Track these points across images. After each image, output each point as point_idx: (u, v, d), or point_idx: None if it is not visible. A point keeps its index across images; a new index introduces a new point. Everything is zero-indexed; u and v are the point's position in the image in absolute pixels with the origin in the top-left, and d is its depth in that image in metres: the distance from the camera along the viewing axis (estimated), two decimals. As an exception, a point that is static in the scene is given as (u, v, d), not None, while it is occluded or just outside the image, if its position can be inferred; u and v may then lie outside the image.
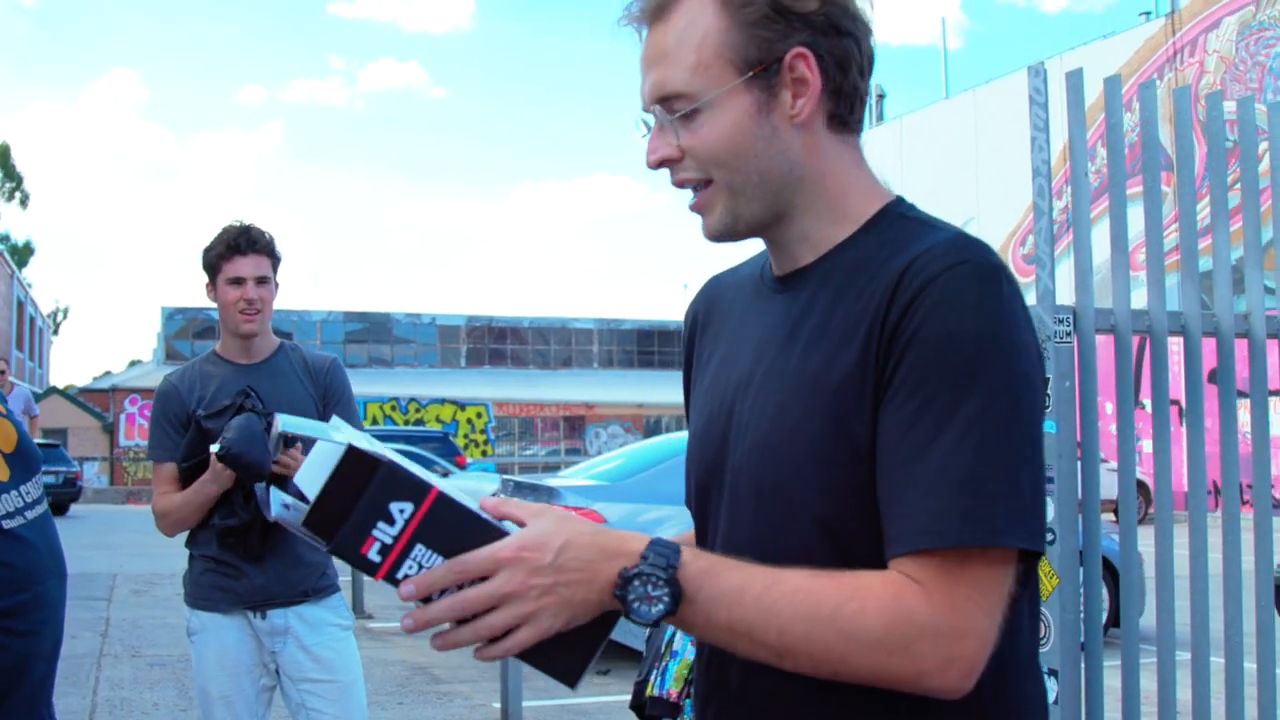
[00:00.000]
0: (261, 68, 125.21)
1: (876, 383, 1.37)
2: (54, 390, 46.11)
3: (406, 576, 1.36)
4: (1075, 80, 3.69)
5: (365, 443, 1.42)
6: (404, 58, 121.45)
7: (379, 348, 50.16)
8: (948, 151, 32.67)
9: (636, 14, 1.52)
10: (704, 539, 1.60)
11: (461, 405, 46.06)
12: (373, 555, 1.37)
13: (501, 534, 1.37)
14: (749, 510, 1.49)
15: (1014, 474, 1.31)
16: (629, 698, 2.06)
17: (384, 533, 1.36)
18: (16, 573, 2.33)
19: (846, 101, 1.49)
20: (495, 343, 52.92)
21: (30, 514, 2.42)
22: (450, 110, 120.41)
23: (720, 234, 1.53)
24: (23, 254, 61.37)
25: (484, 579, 1.34)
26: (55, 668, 2.49)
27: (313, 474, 1.39)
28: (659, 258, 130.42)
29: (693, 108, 1.47)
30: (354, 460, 1.37)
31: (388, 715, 7.27)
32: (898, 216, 1.51)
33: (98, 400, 44.16)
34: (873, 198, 1.53)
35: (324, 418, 3.63)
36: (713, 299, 1.73)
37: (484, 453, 44.39)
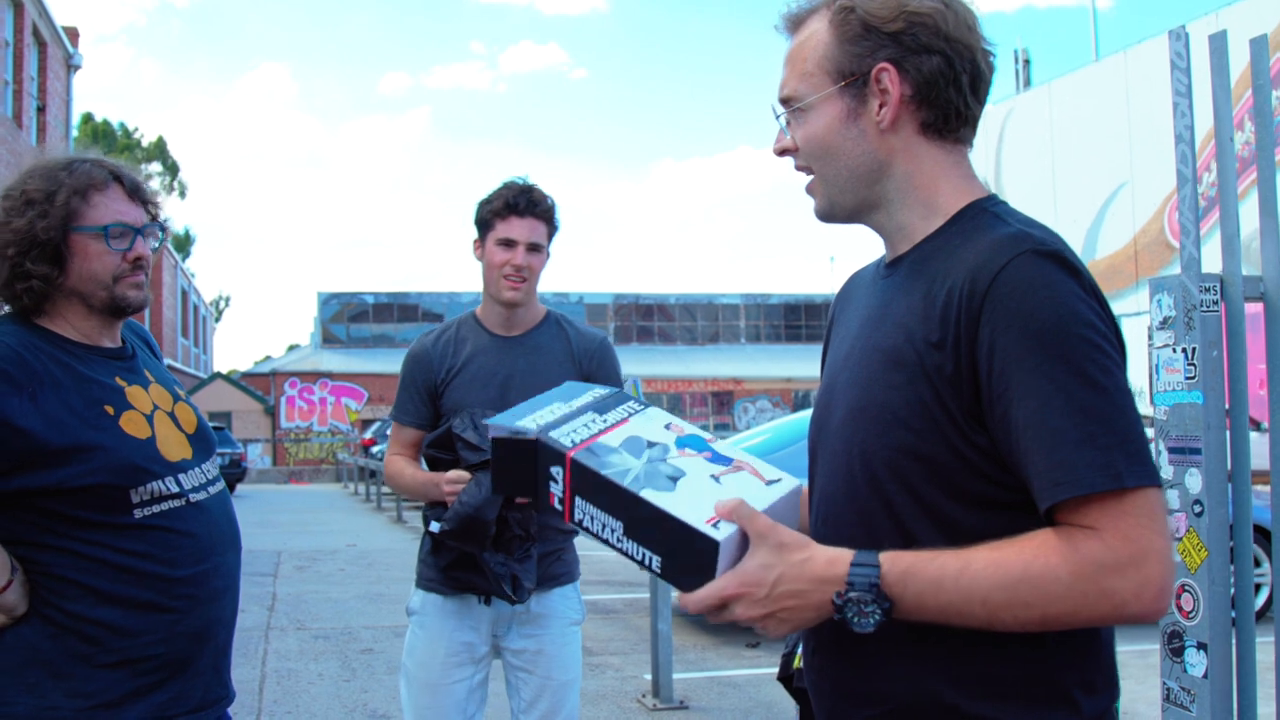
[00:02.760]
0: (404, 55, 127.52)
1: (956, 364, 1.56)
2: (218, 375, 47.76)
3: (581, 522, 1.69)
4: (1219, 44, 3.62)
5: (560, 410, 1.83)
6: (543, 40, 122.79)
7: (527, 328, 50.52)
8: (1099, 115, 31.80)
9: (781, 24, 1.80)
10: (810, 495, 1.83)
11: (609, 383, 46.18)
12: (555, 505, 1.73)
13: (643, 503, 1.62)
14: (840, 466, 1.70)
15: (1118, 423, 1.47)
16: (777, 670, 2.12)
17: (556, 488, 1.72)
18: (200, 543, 2.50)
19: (939, 112, 1.68)
20: (642, 319, 53.23)
21: (211, 489, 2.60)
22: (591, 90, 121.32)
23: (823, 216, 1.81)
24: (183, 243, 63.54)
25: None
26: (233, 635, 2.66)
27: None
28: (805, 231, 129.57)
29: (799, 108, 1.75)
30: (517, 442, 1.75)
31: (541, 687, 7.42)
32: (980, 211, 1.68)
33: (259, 384, 45.62)
34: (963, 195, 1.71)
35: None
36: (848, 288, 1.96)
37: (632, 430, 44.55)
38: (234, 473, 30.11)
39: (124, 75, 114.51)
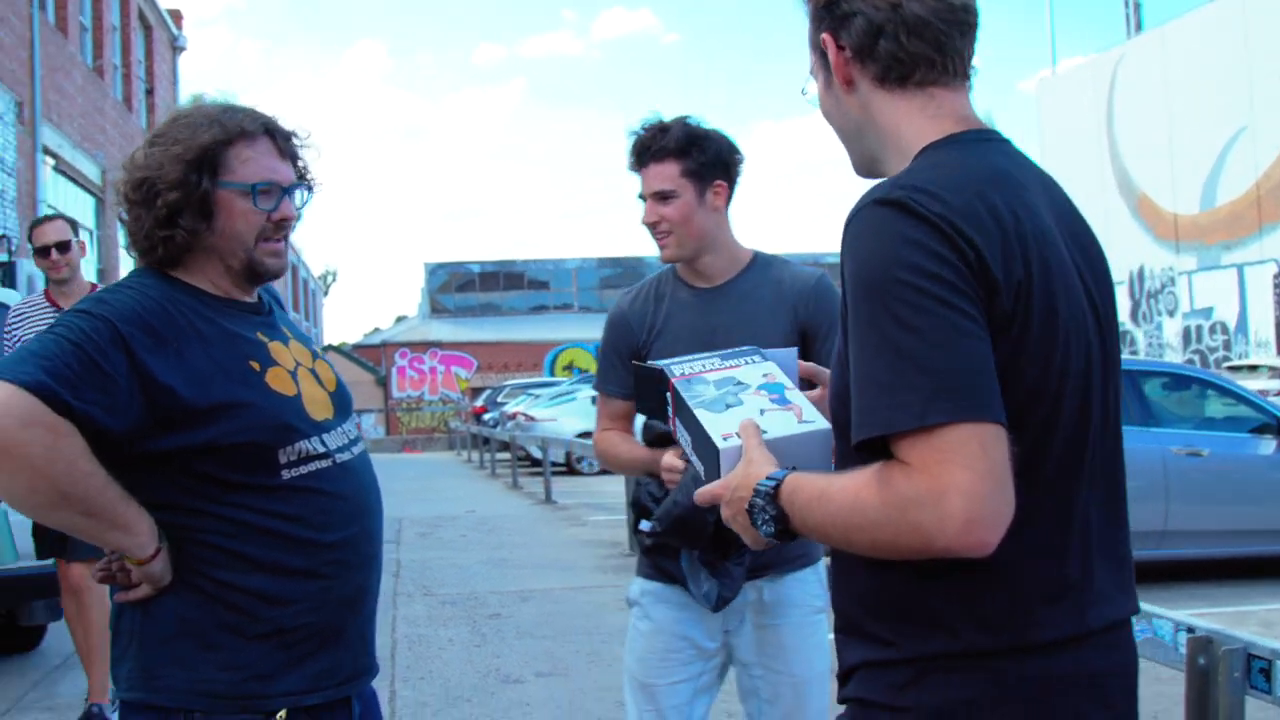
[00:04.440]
0: (497, 26, 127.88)
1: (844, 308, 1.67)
2: (330, 347, 48.47)
3: (678, 439, 2.07)
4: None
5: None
6: (634, 5, 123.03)
7: (633, 292, 50.56)
8: (1216, 58, 30.79)
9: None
10: None
11: (715, 346, 45.94)
12: (672, 428, 2.09)
13: (695, 419, 1.93)
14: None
15: (928, 361, 1.51)
16: None
17: (669, 410, 2.07)
18: (350, 505, 2.43)
19: (882, 64, 1.76)
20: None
21: (354, 449, 2.53)
22: (684, 54, 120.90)
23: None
24: (293, 219, 64.30)
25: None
26: (378, 602, 2.60)
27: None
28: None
29: (811, 83, 1.92)
30: (649, 370, 2.18)
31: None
32: (924, 151, 1.74)
33: (370, 355, 46.25)
34: (924, 138, 1.76)
35: (806, 352, 3.08)
36: None
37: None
38: (349, 443, 30.41)
39: (225, 57, 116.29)
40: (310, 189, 2.60)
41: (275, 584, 2.34)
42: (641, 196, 3.27)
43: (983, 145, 1.75)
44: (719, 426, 1.88)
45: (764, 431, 1.82)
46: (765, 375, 2.06)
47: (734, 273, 3.32)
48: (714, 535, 2.89)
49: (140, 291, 2.34)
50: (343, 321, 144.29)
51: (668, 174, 3.21)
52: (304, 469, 2.38)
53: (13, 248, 14.60)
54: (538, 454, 21.09)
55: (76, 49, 22.86)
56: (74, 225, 6.27)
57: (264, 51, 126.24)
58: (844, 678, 1.77)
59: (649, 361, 2.22)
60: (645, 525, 3.07)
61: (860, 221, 1.62)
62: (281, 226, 2.47)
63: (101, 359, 2.17)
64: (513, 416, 24.58)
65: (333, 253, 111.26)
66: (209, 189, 2.39)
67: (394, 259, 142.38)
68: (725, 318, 3.24)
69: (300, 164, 2.57)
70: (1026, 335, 1.59)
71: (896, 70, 1.76)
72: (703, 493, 1.84)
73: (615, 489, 15.55)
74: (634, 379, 2.26)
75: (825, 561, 3.28)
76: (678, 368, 2.09)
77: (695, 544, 2.98)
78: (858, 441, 1.57)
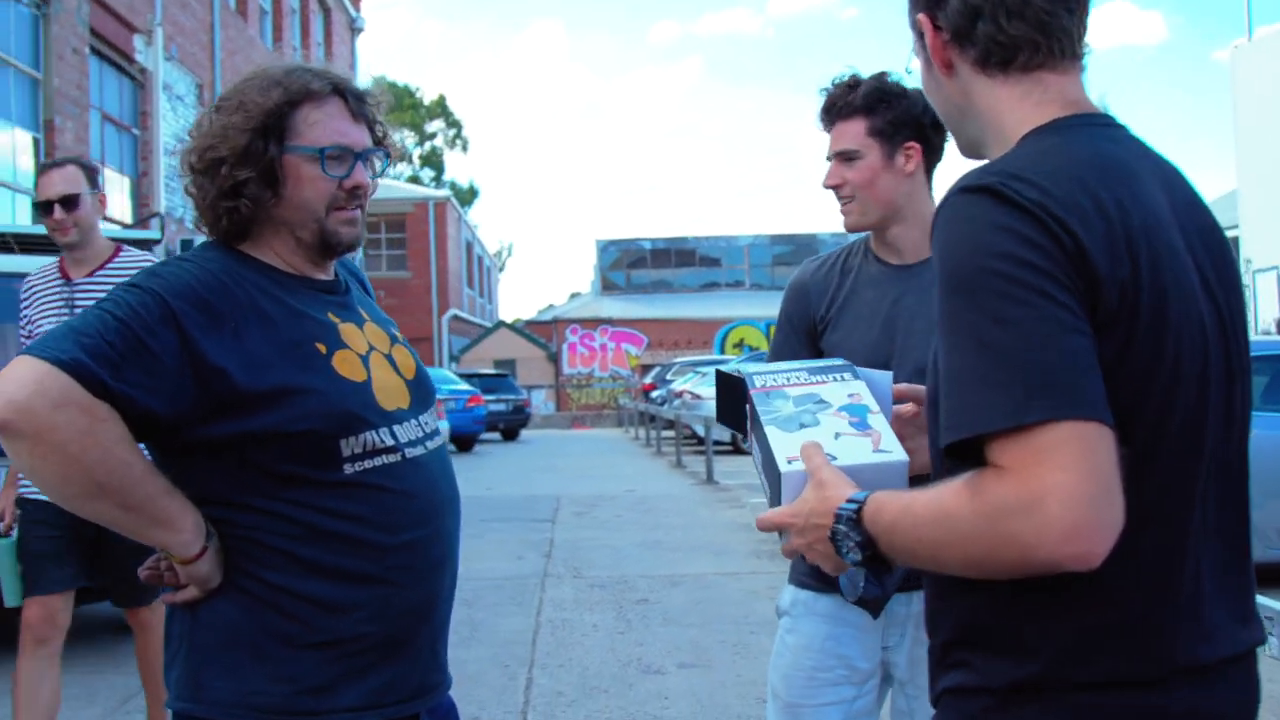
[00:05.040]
0: (673, 5, 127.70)
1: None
2: (502, 324, 49.10)
3: (751, 453, 1.96)
4: None
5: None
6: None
7: (804, 269, 50.11)
8: None
9: None
10: None
11: (889, 323, 45.16)
12: (747, 439, 1.99)
13: (764, 436, 1.82)
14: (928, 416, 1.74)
15: (1022, 356, 1.39)
16: None
17: (748, 423, 1.94)
18: (419, 505, 2.21)
19: (981, 47, 1.65)
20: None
21: (429, 444, 2.29)
22: (863, 29, 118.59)
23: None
24: (467, 197, 65.69)
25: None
26: (451, 612, 2.36)
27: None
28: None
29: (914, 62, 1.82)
30: (731, 379, 2.05)
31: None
32: (1025, 138, 1.62)
33: (542, 331, 46.65)
34: (1027, 124, 1.64)
35: None
36: None
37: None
38: (518, 418, 30.83)
39: (404, 38, 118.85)
40: (388, 155, 2.37)
41: (334, 590, 2.13)
42: (829, 158, 2.94)
43: (1090, 131, 1.62)
44: (786, 448, 1.78)
45: (833, 458, 1.72)
46: (851, 395, 1.94)
47: (929, 252, 2.92)
48: None
49: (199, 265, 2.15)
50: (518, 298, 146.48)
51: (853, 132, 2.87)
52: (369, 463, 2.16)
53: (165, 225, 14.78)
54: (703, 432, 20.89)
55: (256, 32, 23.48)
56: (91, 173, 4.72)
57: (442, 32, 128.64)
58: (934, 704, 1.69)
59: (732, 368, 2.04)
60: None
61: (948, 210, 1.52)
62: (355, 194, 2.25)
63: (148, 336, 1.98)
64: (679, 394, 24.46)
65: (509, 229, 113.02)
66: (274, 155, 2.19)
67: (570, 236, 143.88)
68: (911, 300, 2.86)
69: (377, 128, 2.34)
70: (1133, 336, 1.45)
71: (997, 54, 1.66)
72: (765, 519, 1.74)
73: (778, 470, 15.22)
74: (716, 384, 2.16)
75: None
76: (760, 379, 1.97)
77: None
78: (946, 445, 1.45)
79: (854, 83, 2.89)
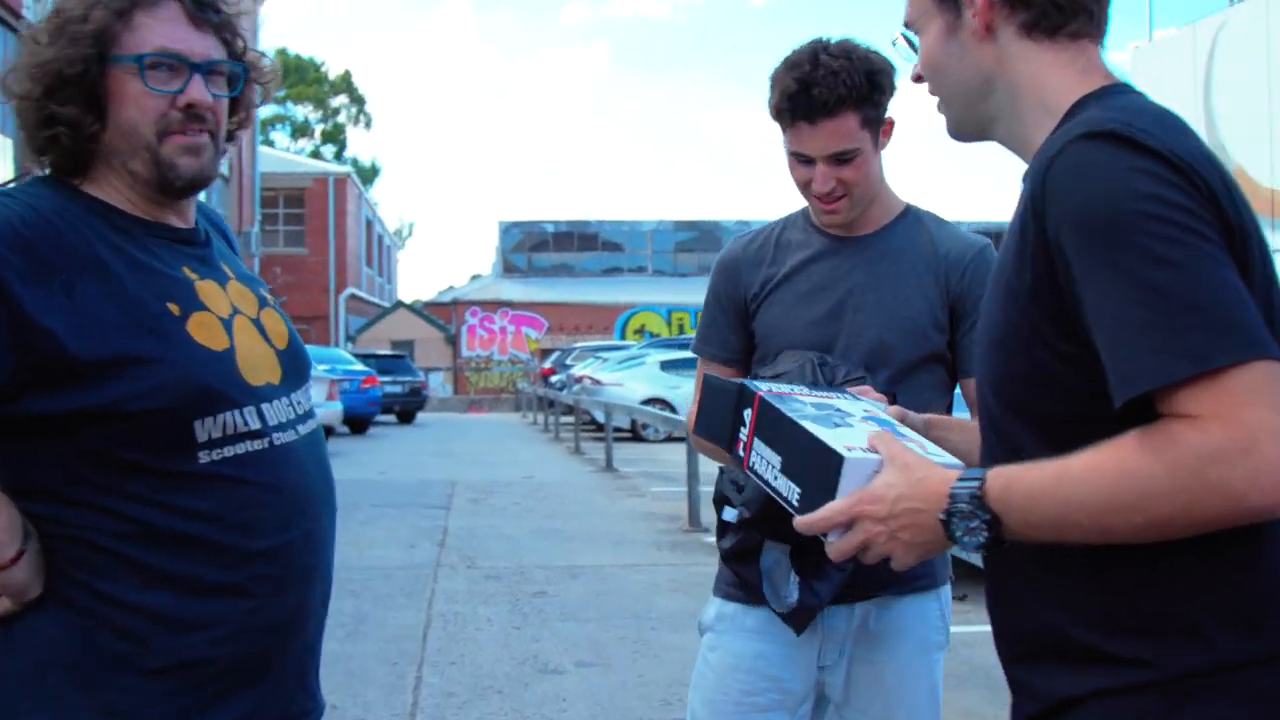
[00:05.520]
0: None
1: (1034, 275, 1.45)
2: (400, 304, 48.40)
3: (754, 466, 1.74)
4: None
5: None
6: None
7: (709, 256, 49.90)
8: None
9: None
10: None
11: (791, 312, 45.23)
12: (739, 452, 1.79)
13: (803, 432, 1.64)
14: (983, 402, 1.64)
15: (1196, 298, 1.31)
16: (988, 627, 1.72)
17: (743, 432, 1.78)
18: (287, 501, 1.87)
19: (1036, 10, 1.58)
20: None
21: (301, 428, 1.95)
22: (771, 17, 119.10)
23: (954, 136, 1.75)
24: (369, 174, 64.55)
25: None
26: (324, 628, 2.03)
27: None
28: (994, 155, 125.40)
29: (914, 33, 1.73)
30: (723, 386, 1.87)
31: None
32: (1082, 105, 1.55)
33: (441, 313, 46.01)
34: (1076, 91, 1.57)
35: (951, 333, 2.54)
36: None
37: (813, 361, 43.58)
38: (415, 401, 30.27)
39: (311, 10, 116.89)
40: (243, 72, 1.98)
41: (180, 603, 1.78)
42: (800, 156, 2.50)
43: (1145, 99, 1.56)
44: (839, 439, 1.61)
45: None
46: (867, 410, 1.86)
47: (881, 223, 2.61)
48: None
49: (23, 202, 1.77)
50: (417, 279, 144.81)
51: (847, 130, 2.44)
52: (228, 450, 1.81)
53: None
54: (602, 419, 20.63)
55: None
56: None
57: (349, 6, 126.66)
58: (1044, 716, 1.52)
59: (715, 382, 1.95)
60: (730, 513, 2.41)
61: (1072, 157, 1.42)
62: (194, 114, 1.87)
63: None
64: (579, 380, 24.20)
65: (410, 209, 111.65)
66: (90, 71, 1.81)
67: (472, 217, 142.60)
68: (860, 277, 2.55)
69: (234, 41, 1.97)
70: (1253, 287, 1.39)
71: (1052, 19, 1.60)
72: (824, 516, 1.55)
73: (679, 458, 15.04)
74: (702, 392, 1.98)
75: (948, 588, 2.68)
76: (765, 385, 1.84)
77: (792, 534, 2.32)
78: (1125, 400, 1.34)
79: (833, 68, 2.41)
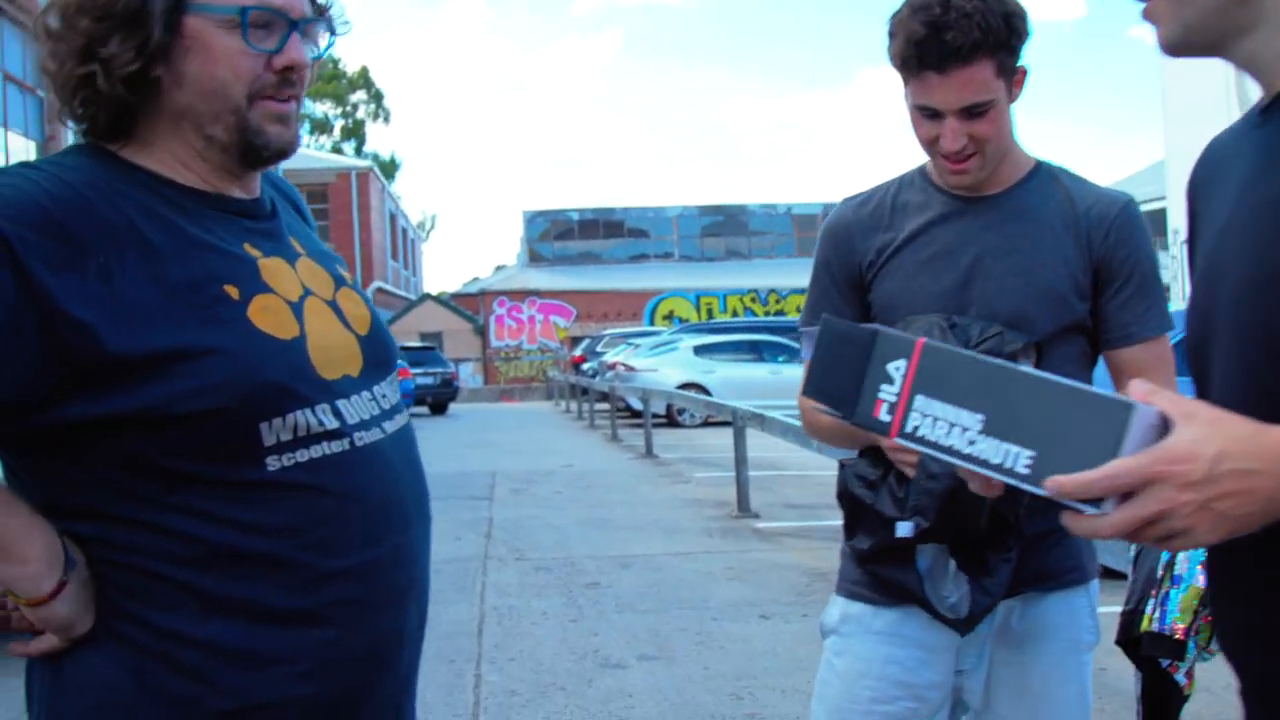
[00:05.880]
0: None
1: None
2: (427, 296, 48.24)
3: (915, 431, 1.39)
4: None
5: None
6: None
7: (735, 240, 49.81)
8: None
9: None
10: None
11: (821, 294, 44.79)
12: (882, 415, 1.44)
13: (1033, 379, 1.31)
14: (1234, 356, 1.35)
15: None
16: (1114, 632, 1.48)
17: (889, 392, 1.43)
18: (374, 511, 1.62)
19: None
20: (852, 229, 51.80)
21: (388, 425, 1.70)
22: (783, 4, 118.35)
23: (1173, 46, 1.41)
24: (389, 168, 64.38)
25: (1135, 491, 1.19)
26: (420, 651, 1.79)
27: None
28: (1021, 128, 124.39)
29: None
30: (850, 334, 1.49)
31: (791, 629, 6.59)
32: None
33: (468, 304, 45.83)
34: None
35: (1094, 298, 2.30)
36: (1206, 161, 1.55)
37: (845, 342, 43.12)
38: (446, 392, 30.10)
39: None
40: (332, 30, 1.75)
41: (249, 635, 1.54)
42: (926, 109, 2.23)
43: None
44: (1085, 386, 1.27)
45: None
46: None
47: (1012, 181, 2.33)
48: (990, 518, 2.07)
49: (52, 175, 1.51)
50: (443, 271, 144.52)
51: (981, 79, 2.16)
52: (301, 454, 1.56)
53: None
54: (637, 405, 20.40)
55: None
56: None
57: (364, 3, 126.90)
58: None
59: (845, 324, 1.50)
60: (904, 528, 2.13)
61: None
62: (288, 79, 1.64)
63: None
64: (612, 366, 24.00)
65: (432, 202, 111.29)
66: (172, 13, 1.56)
67: (494, 208, 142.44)
68: (991, 240, 2.29)
69: None
70: None
71: None
72: (1094, 478, 1.18)
73: (720, 442, 14.83)
74: (819, 341, 1.52)
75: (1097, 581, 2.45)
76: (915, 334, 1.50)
77: (970, 531, 2.11)
78: None
79: (970, 9, 2.12)
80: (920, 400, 1.39)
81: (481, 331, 44.74)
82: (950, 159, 2.25)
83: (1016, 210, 2.32)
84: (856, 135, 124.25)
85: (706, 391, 21.17)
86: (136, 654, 1.52)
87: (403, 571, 1.67)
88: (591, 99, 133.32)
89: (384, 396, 1.72)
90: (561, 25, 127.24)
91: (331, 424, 1.59)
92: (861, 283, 2.39)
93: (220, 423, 1.50)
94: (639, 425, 18.67)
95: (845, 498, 2.28)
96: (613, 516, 10.99)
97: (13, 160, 15.64)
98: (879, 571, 2.27)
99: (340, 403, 1.62)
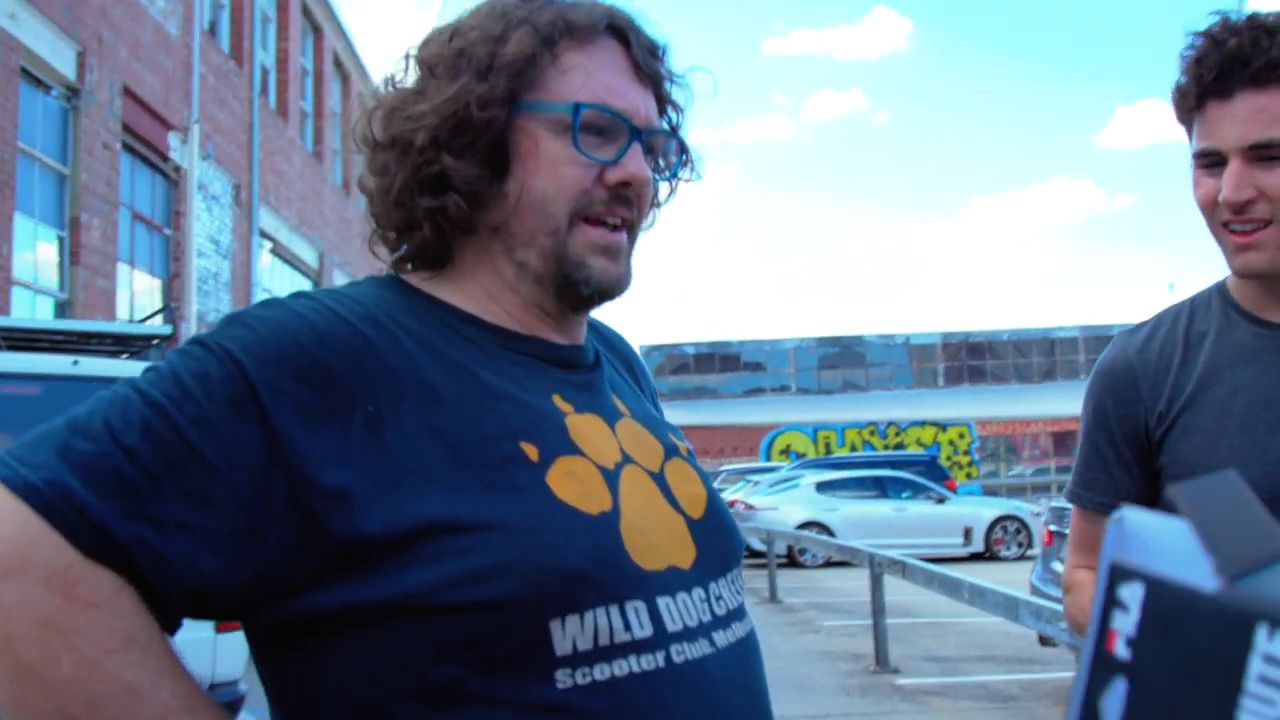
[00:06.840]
0: (707, 111, 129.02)
1: None
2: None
3: None
4: None
5: None
6: (844, 86, 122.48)
7: (853, 372, 49.38)
8: None
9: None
10: None
11: (943, 426, 43.95)
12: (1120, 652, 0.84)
13: None
14: None
15: None
16: None
17: (1123, 622, 0.83)
18: None
19: None
20: (972, 359, 51.40)
21: (724, 635, 1.26)
22: (895, 133, 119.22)
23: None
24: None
25: None
26: None
27: None
28: (1136, 259, 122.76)
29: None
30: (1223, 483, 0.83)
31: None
32: None
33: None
34: None
35: None
36: None
37: (968, 474, 42.12)
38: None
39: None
40: (684, 149, 1.43)
41: None
42: (1206, 155, 1.71)
43: None
44: None
45: None
46: None
47: None
48: None
49: (322, 307, 1.19)
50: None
51: (1277, 110, 1.64)
52: (601, 671, 1.15)
53: (178, 321, 13.72)
54: (758, 546, 19.76)
55: (296, 133, 23.02)
56: None
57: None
58: None
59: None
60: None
61: None
62: (621, 196, 1.32)
63: (200, 434, 1.08)
64: (731, 504, 23.41)
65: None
66: (500, 116, 1.28)
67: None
68: None
69: (670, 101, 1.41)
70: None
71: None
72: None
73: (849, 585, 14.17)
74: (1189, 497, 0.90)
75: None
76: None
77: None
78: None
79: (1263, 23, 1.64)
80: None
81: (597, 466, 44.67)
82: (1233, 216, 1.69)
83: None
84: (971, 263, 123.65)
85: (829, 530, 20.54)
86: None
87: None
88: (706, 232, 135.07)
89: (719, 599, 1.29)
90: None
91: (645, 630, 1.17)
92: (1148, 440, 1.85)
93: (500, 620, 1.12)
94: (761, 565, 18.05)
95: None
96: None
97: (138, 298, 15.82)
98: None
99: (661, 601, 1.20)
